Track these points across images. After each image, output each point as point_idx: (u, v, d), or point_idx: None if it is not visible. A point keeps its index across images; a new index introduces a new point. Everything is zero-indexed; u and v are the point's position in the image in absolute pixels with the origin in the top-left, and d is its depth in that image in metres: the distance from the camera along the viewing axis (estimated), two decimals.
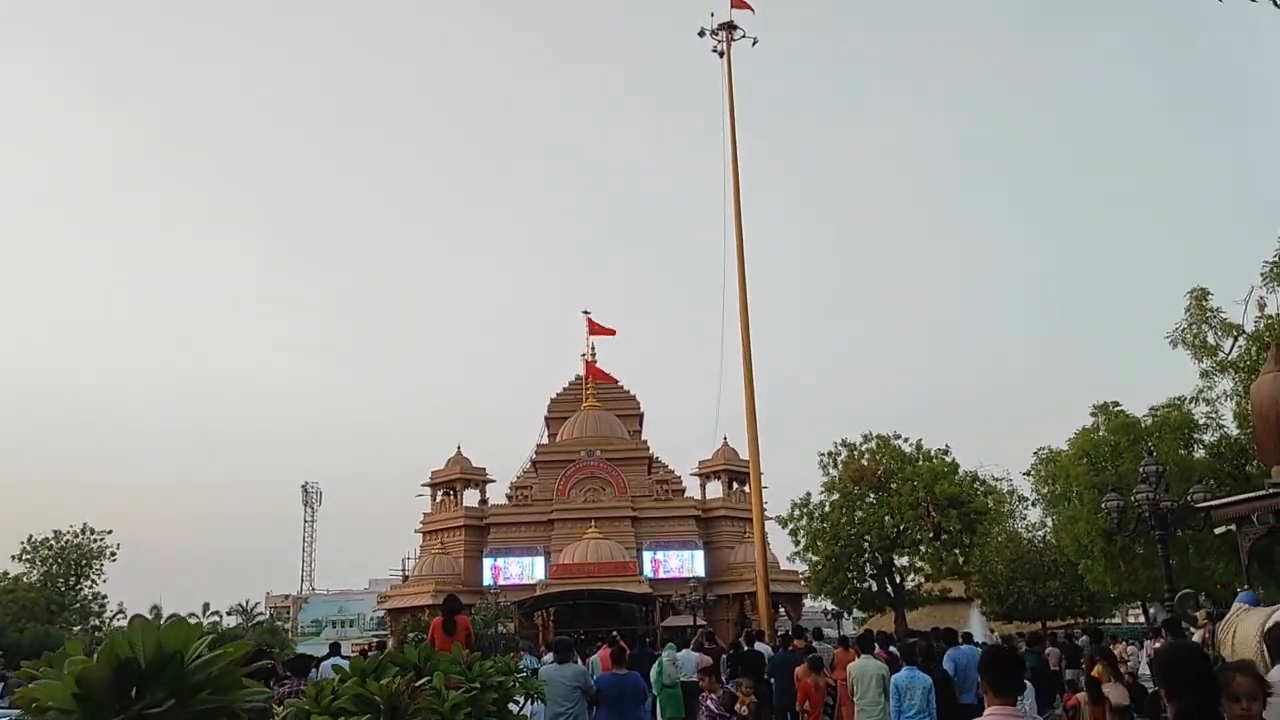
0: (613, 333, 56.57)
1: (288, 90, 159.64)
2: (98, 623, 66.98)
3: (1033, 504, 55.00)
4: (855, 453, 40.07)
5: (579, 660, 10.96)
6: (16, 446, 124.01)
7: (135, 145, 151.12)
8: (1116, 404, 30.24)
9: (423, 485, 53.48)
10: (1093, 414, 31.13)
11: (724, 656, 18.39)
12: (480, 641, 16.04)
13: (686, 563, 47.82)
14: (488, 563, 47.95)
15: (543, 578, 46.40)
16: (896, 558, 39.06)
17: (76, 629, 62.78)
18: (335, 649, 17.19)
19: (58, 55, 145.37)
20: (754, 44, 39.41)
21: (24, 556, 63.60)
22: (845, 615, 50.27)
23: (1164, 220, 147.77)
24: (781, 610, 47.37)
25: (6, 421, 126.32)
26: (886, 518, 37.74)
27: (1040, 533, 41.76)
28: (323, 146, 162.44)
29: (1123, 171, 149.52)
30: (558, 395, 58.11)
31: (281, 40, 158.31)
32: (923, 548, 38.21)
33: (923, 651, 11.28)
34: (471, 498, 52.90)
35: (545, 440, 55.35)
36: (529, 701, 7.19)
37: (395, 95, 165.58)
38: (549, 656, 14.93)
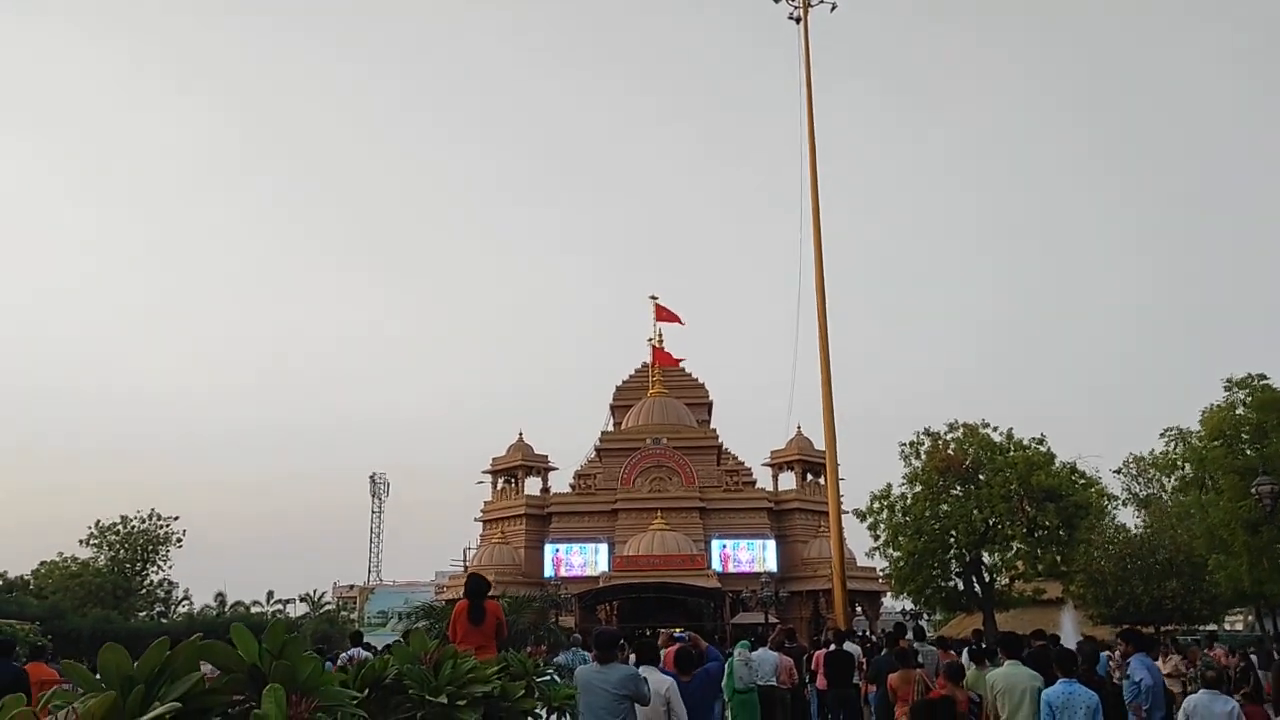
0: (680, 320, 54.70)
1: (357, 88, 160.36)
2: (163, 609, 66.93)
3: (1123, 503, 51.92)
4: (940, 442, 37.29)
5: (629, 660, 8.63)
6: (90, 434, 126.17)
7: (205, 146, 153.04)
8: (1262, 376, 26.88)
9: (483, 472, 51.98)
10: (1227, 389, 27.79)
11: (805, 658, 16.16)
12: (530, 635, 14.06)
13: (757, 557, 45.57)
14: (549, 553, 46.17)
15: (606, 569, 44.52)
16: (985, 555, 36.23)
17: (142, 614, 62.63)
18: (357, 638, 15.44)
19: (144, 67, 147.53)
20: (833, 9, 37.02)
21: (91, 541, 63.60)
22: (926, 616, 47.63)
23: None
24: (858, 609, 44.97)
25: (82, 409, 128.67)
26: (975, 511, 34.92)
27: (1146, 529, 38.64)
28: (388, 143, 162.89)
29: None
30: (624, 382, 56.40)
31: (347, 39, 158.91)
32: (1015, 544, 35.30)
33: (1088, 657, 8.75)
34: (533, 486, 51.28)
35: (610, 428, 53.46)
36: (557, 717, 5.06)
37: (460, 90, 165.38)
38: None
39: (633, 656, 8.17)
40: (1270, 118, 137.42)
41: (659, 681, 7.41)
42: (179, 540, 65.32)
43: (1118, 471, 55.20)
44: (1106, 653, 16.33)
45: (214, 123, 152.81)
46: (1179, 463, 32.09)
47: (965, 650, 11.72)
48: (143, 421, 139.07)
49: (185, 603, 71.91)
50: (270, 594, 79.55)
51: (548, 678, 5.19)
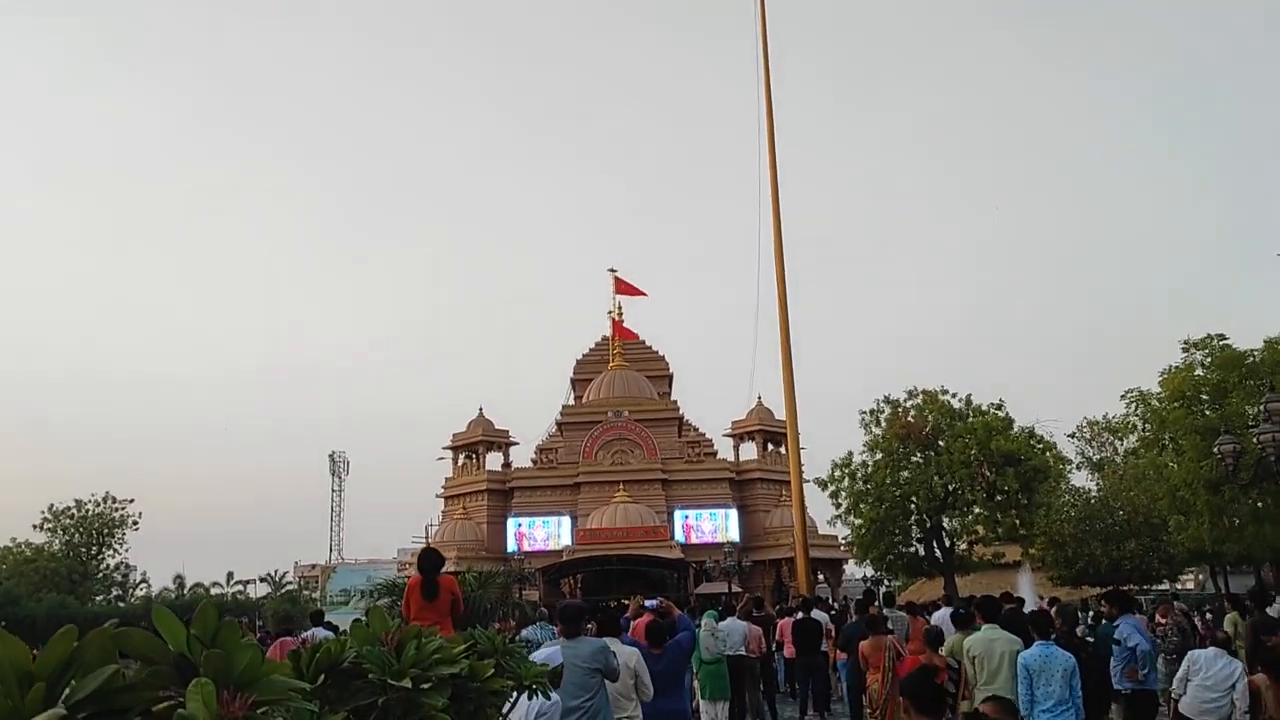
0: (641, 293, 54.51)
1: (327, 69, 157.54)
2: (120, 592, 65.96)
3: (1077, 467, 52.63)
4: (900, 409, 37.43)
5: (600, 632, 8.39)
6: (40, 413, 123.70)
7: (184, 129, 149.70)
8: (1221, 336, 27.13)
9: (444, 448, 51.52)
10: (1185, 349, 28.01)
11: (771, 626, 16.09)
12: (492, 609, 13.82)
13: (720, 527, 45.65)
14: (511, 527, 45.95)
15: (569, 543, 44.38)
16: (946, 520, 36.50)
17: (99, 598, 61.69)
18: (318, 618, 15.14)
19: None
20: None
21: (45, 526, 62.45)
22: (886, 582, 48.08)
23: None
24: (820, 576, 45.24)
25: (32, 387, 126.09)
26: (935, 477, 35.11)
27: (1101, 492, 39.14)
28: (347, 106, 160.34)
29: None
30: (584, 356, 56.07)
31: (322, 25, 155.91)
32: (975, 509, 35.59)
33: (1067, 619, 8.63)
34: (495, 462, 50.86)
35: (571, 402, 53.19)
36: (529, 696, 4.82)
37: (420, 61, 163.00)
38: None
39: (593, 628, 7.95)
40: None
41: (626, 654, 7.21)
42: (135, 523, 64.38)
43: (1072, 436, 56.00)
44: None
45: (171, 104, 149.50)
46: (1139, 424, 32.39)
47: (948, 613, 11.63)
48: (100, 405, 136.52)
49: (143, 586, 71.03)
50: (230, 575, 78.65)
51: (521, 652, 4.96)
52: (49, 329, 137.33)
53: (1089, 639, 9.53)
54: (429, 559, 8.62)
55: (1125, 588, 32.79)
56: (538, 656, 6.38)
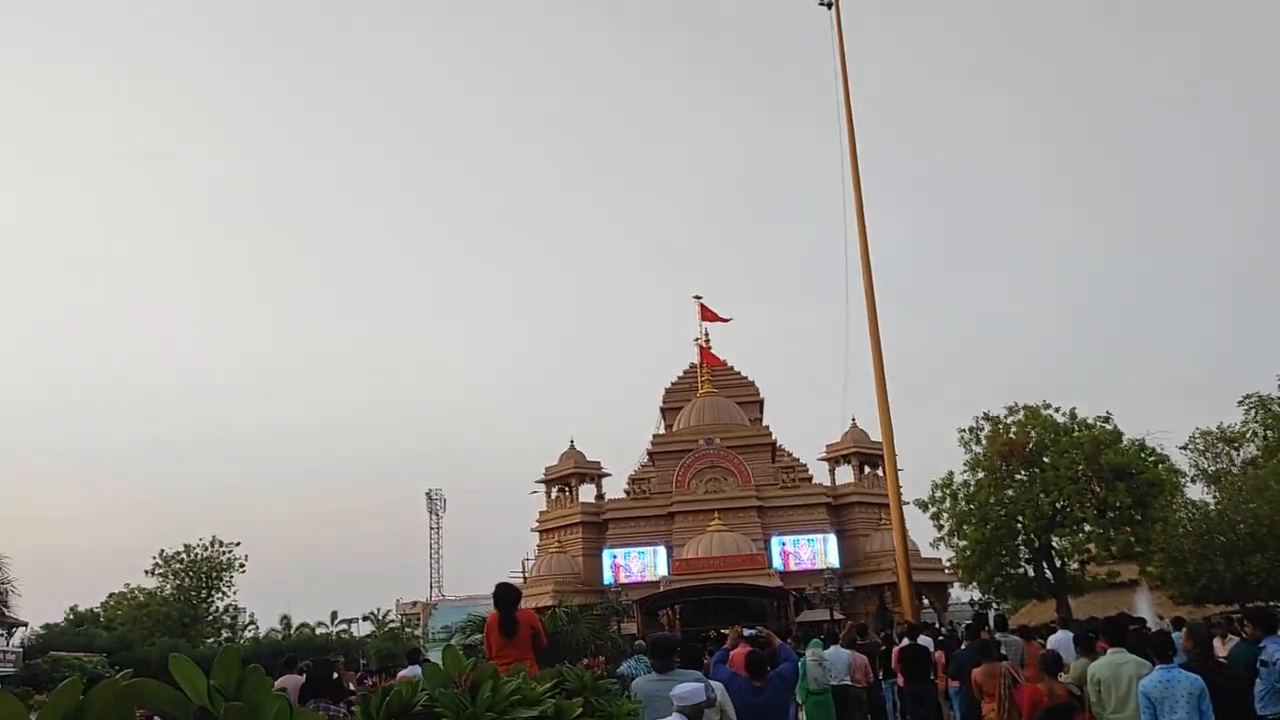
0: (725, 319, 54.17)
1: (418, 85, 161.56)
2: (229, 634, 67.55)
3: (1192, 480, 50.34)
4: (1000, 426, 36.31)
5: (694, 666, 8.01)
6: (154, 459, 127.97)
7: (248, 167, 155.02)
8: None
9: (537, 482, 51.61)
10: None
11: (881, 653, 15.51)
12: (583, 644, 13.48)
13: (819, 552, 44.76)
14: (607, 559, 45.72)
15: (665, 574, 43.97)
16: (1055, 539, 35.17)
17: (210, 640, 63.22)
18: (414, 656, 15.02)
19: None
20: None
21: (157, 571, 64.36)
22: (995, 605, 46.54)
23: None
24: (925, 601, 44.01)
25: (151, 436, 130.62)
26: (1041, 495, 33.89)
27: (1219, 505, 37.29)
28: (452, 131, 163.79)
29: None
30: (673, 384, 55.86)
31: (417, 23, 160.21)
32: (1086, 526, 34.24)
33: (1202, 640, 7.97)
34: (587, 494, 50.79)
35: (662, 431, 52.92)
36: None
37: (509, 76, 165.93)
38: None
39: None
40: None
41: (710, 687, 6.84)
42: (242, 566, 65.97)
43: (1184, 448, 53.69)
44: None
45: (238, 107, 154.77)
46: (1259, 430, 30.83)
47: (1067, 637, 10.98)
48: (208, 450, 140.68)
49: (251, 627, 72.73)
50: (334, 614, 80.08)
51: (612, 689, 4.67)
52: (154, 375, 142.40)
53: (1224, 660, 8.84)
54: (503, 594, 8.38)
55: (1258, 605, 31.12)
56: (676, 692, 6.13)
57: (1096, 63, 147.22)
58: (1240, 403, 31.07)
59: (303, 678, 10.32)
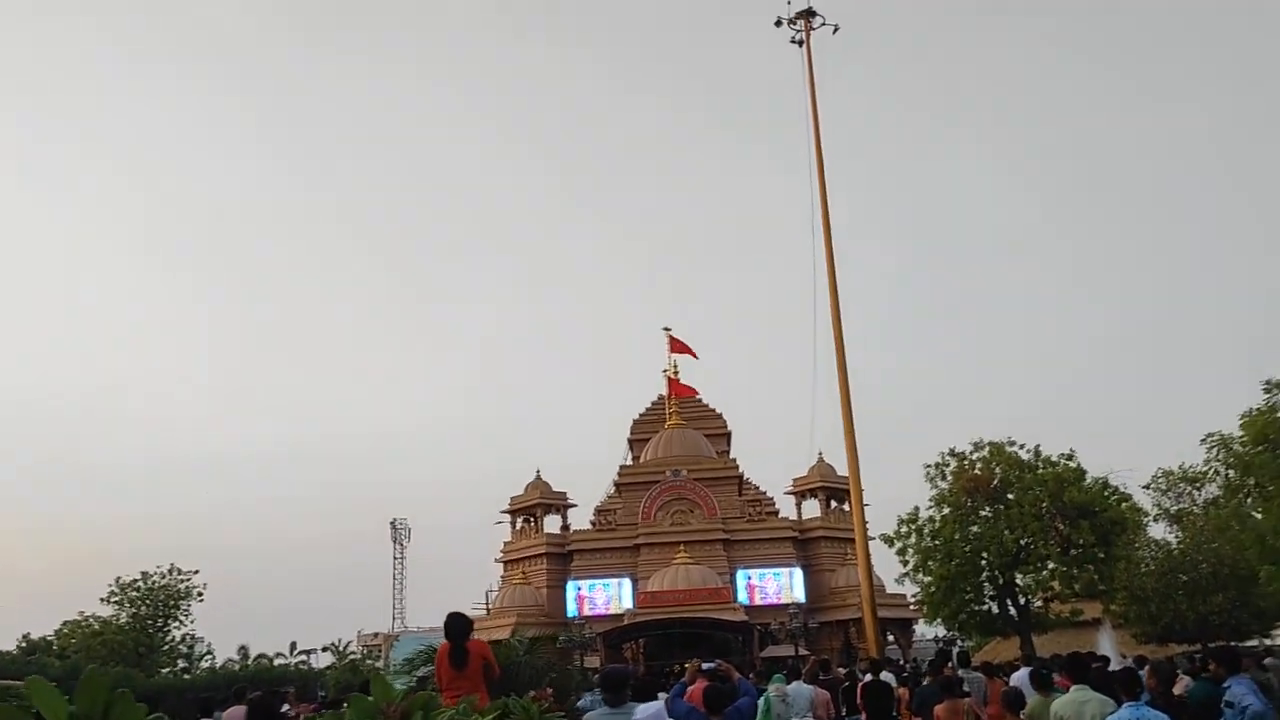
0: (694, 353, 54.11)
1: (373, 127, 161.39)
2: (185, 664, 66.12)
3: (1154, 519, 50.64)
4: (966, 462, 36.38)
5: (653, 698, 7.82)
6: (108, 487, 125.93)
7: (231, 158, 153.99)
8: None
9: (502, 512, 51.16)
10: (1267, 391, 26.82)
11: (843, 689, 15.34)
12: (538, 676, 13.17)
13: (784, 587, 44.59)
14: (571, 591, 45.28)
15: (630, 606, 43.58)
16: (1019, 576, 35.15)
17: (165, 670, 61.84)
18: (367, 687, 14.65)
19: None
20: (835, 31, 36.66)
21: (113, 599, 62.99)
22: (959, 641, 46.48)
23: None
24: (890, 637, 43.89)
25: (99, 464, 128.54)
26: (1006, 532, 33.90)
27: (1182, 544, 37.51)
28: (407, 187, 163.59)
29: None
30: (641, 415, 55.72)
31: (386, 71, 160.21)
32: (1050, 564, 34.25)
33: (1166, 679, 7.88)
34: (553, 524, 50.39)
35: (629, 462, 52.68)
36: None
37: (472, 112, 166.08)
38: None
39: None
40: None
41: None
42: (200, 594, 64.62)
43: (1146, 487, 54.06)
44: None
45: (232, 171, 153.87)
46: (1221, 469, 31.05)
47: (1028, 673, 10.88)
48: (166, 476, 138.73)
49: (208, 657, 71.23)
50: (293, 645, 78.74)
51: None
52: (111, 399, 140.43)
53: (1186, 700, 8.75)
54: (455, 624, 8.16)
55: (1221, 644, 31.24)
56: (639, 716, 5.93)
57: (1074, 108, 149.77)
58: (1203, 441, 31.35)
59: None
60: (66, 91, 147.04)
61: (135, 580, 63.34)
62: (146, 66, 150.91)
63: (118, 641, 59.76)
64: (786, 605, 41.63)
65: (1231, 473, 30.10)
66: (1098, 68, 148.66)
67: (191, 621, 65.04)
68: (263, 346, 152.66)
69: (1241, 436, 27.77)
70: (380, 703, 2.84)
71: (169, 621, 63.99)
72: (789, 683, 13.29)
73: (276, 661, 71.55)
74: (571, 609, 44.45)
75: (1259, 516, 27.38)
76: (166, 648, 64.30)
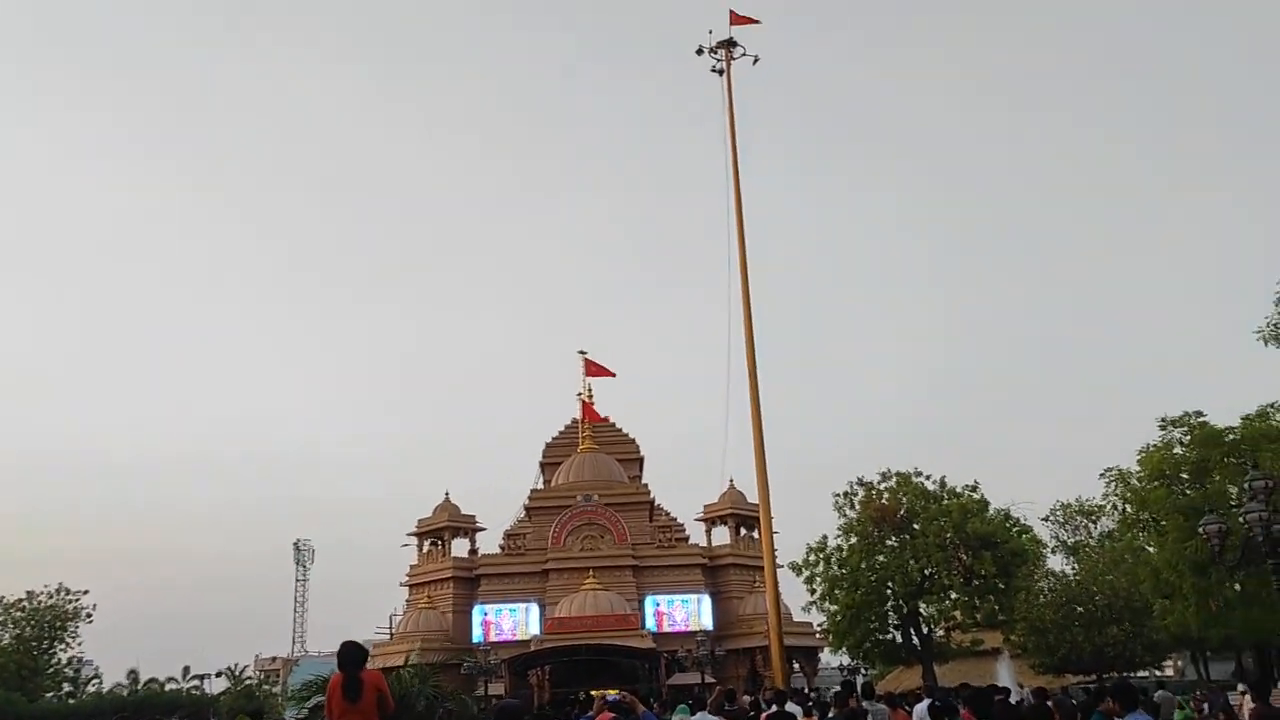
0: (611, 374, 53.88)
1: (278, 154, 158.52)
2: (71, 688, 63.41)
3: (1052, 550, 51.95)
4: (874, 492, 36.91)
5: None
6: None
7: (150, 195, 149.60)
8: (1199, 414, 26.81)
9: (408, 535, 50.09)
10: (1163, 427, 27.68)
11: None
12: (430, 708, 12.73)
13: (693, 614, 44.44)
14: (478, 616, 44.47)
15: (537, 632, 42.98)
16: (923, 606, 35.70)
17: (49, 695, 59.18)
18: (257, 715, 14.09)
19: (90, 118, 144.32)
20: (755, 62, 37.04)
21: None
22: (863, 670, 46.90)
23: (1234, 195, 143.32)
24: (796, 665, 44.04)
25: None
26: (911, 561, 34.48)
27: (1077, 576, 38.51)
28: (308, 204, 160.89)
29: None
30: (553, 439, 55.18)
31: (297, 92, 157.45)
32: (953, 594, 34.86)
33: (1068, 715, 7.90)
34: (461, 548, 49.50)
35: (540, 486, 52.15)
36: None
37: (390, 141, 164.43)
38: None
39: None
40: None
41: None
42: (89, 615, 62.09)
43: (1045, 519, 55.51)
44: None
45: (144, 181, 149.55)
46: (1118, 504, 31.99)
47: (927, 706, 10.89)
48: (53, 488, 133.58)
49: (95, 681, 68.38)
50: (186, 669, 75.96)
51: None
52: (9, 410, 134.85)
53: None
54: (348, 654, 7.80)
55: (1120, 679, 32.01)
56: None
57: (977, 146, 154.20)
58: (1101, 475, 32.30)
59: None
60: None
61: (20, 600, 60.67)
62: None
63: None
64: (694, 633, 41.45)
65: (1128, 507, 31.00)
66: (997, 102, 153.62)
67: (79, 644, 62.54)
68: (163, 356, 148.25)
69: (1139, 472, 28.61)
70: None
71: (55, 644, 61.38)
72: (694, 713, 13.15)
73: (168, 686, 69.03)
74: (478, 634, 43.63)
75: (1152, 550, 28.20)
76: (52, 670, 61.65)
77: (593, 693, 36.88)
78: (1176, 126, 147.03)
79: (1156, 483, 26.77)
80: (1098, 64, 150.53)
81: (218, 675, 78.18)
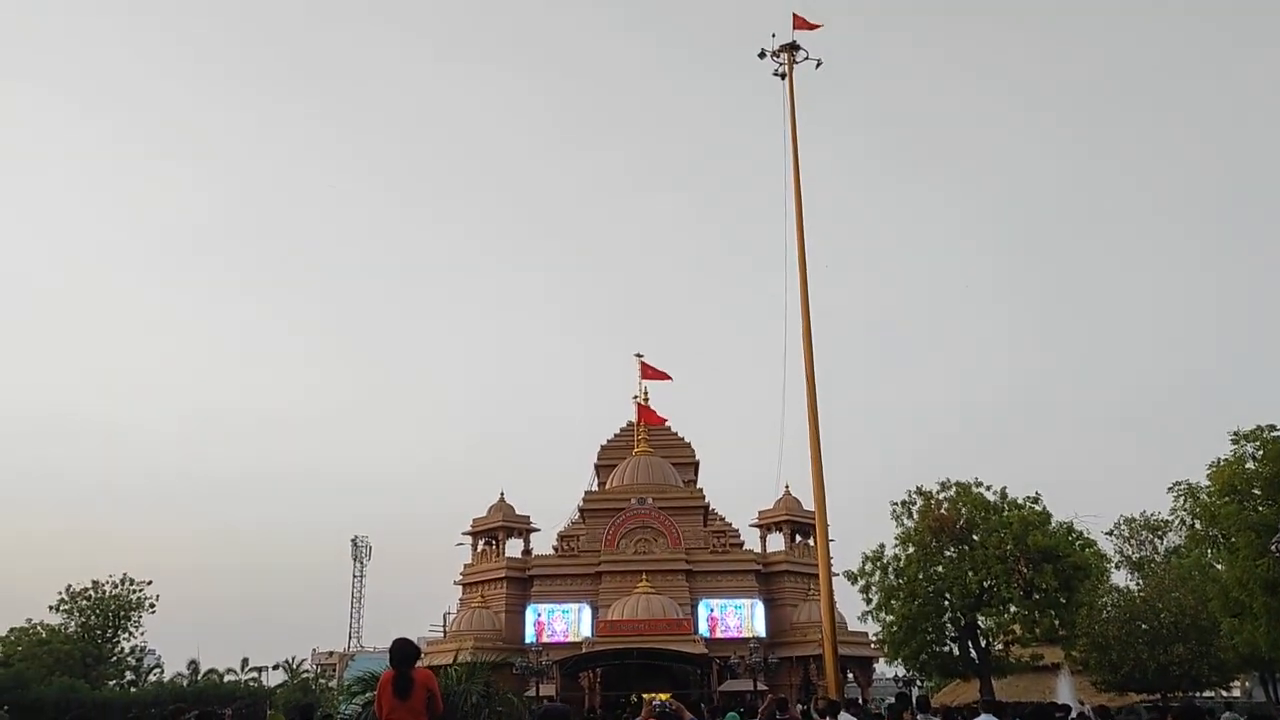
0: (667, 377, 53.69)
1: (353, 169, 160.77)
2: (133, 677, 64.74)
3: (1116, 565, 50.71)
4: (932, 501, 36.25)
5: None
6: (65, 495, 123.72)
7: (214, 219, 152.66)
8: (1273, 427, 25.88)
9: (463, 534, 50.36)
10: (1235, 441, 26.77)
11: None
12: (477, 708, 12.65)
13: (745, 620, 44.10)
14: (530, 617, 44.56)
15: (589, 634, 42.94)
16: (981, 618, 34.97)
17: (111, 683, 60.47)
18: (308, 712, 14.09)
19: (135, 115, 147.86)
20: (818, 66, 36.72)
21: (62, 607, 61.60)
22: (919, 682, 46.15)
23: None
24: (850, 676, 43.49)
25: (54, 473, 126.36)
26: (969, 573, 33.72)
27: (1143, 592, 37.51)
28: (364, 205, 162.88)
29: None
30: (608, 441, 55.21)
31: (362, 93, 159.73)
32: (1012, 607, 34.09)
33: None
34: (515, 548, 49.67)
35: (595, 488, 52.15)
36: None
37: (444, 152, 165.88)
38: None
39: None
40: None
41: None
42: (152, 605, 63.38)
43: (1109, 533, 54.27)
44: None
45: (188, 181, 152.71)
46: (1187, 518, 31.04)
47: None
48: (121, 487, 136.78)
49: (157, 671, 69.75)
50: (245, 661, 77.36)
51: None
52: (75, 410, 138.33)
53: None
54: (400, 651, 7.75)
55: (1185, 700, 31.08)
56: None
57: (1054, 155, 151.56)
58: (1170, 489, 31.38)
59: None
60: None
61: (86, 589, 62.07)
62: None
63: (65, 651, 58.43)
64: (747, 639, 41.12)
65: (1197, 523, 30.07)
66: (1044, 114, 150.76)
67: (142, 634, 63.92)
68: (228, 364, 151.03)
69: (1209, 487, 27.74)
70: None
71: (119, 633, 62.71)
72: None
73: (227, 678, 70.25)
74: (530, 635, 43.70)
75: (1221, 568, 27.30)
76: (115, 659, 62.98)
77: (643, 695, 36.79)
78: (1241, 131, 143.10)
79: (1227, 498, 25.85)
80: (1171, 67, 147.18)
81: (275, 668, 79.63)
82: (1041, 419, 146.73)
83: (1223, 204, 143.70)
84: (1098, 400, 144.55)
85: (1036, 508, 34.49)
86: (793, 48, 36.81)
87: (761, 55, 37.12)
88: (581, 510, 49.67)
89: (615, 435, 55.35)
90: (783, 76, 36.63)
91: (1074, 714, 19.96)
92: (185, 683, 65.17)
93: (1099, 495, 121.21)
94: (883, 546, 36.73)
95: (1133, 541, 55.05)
